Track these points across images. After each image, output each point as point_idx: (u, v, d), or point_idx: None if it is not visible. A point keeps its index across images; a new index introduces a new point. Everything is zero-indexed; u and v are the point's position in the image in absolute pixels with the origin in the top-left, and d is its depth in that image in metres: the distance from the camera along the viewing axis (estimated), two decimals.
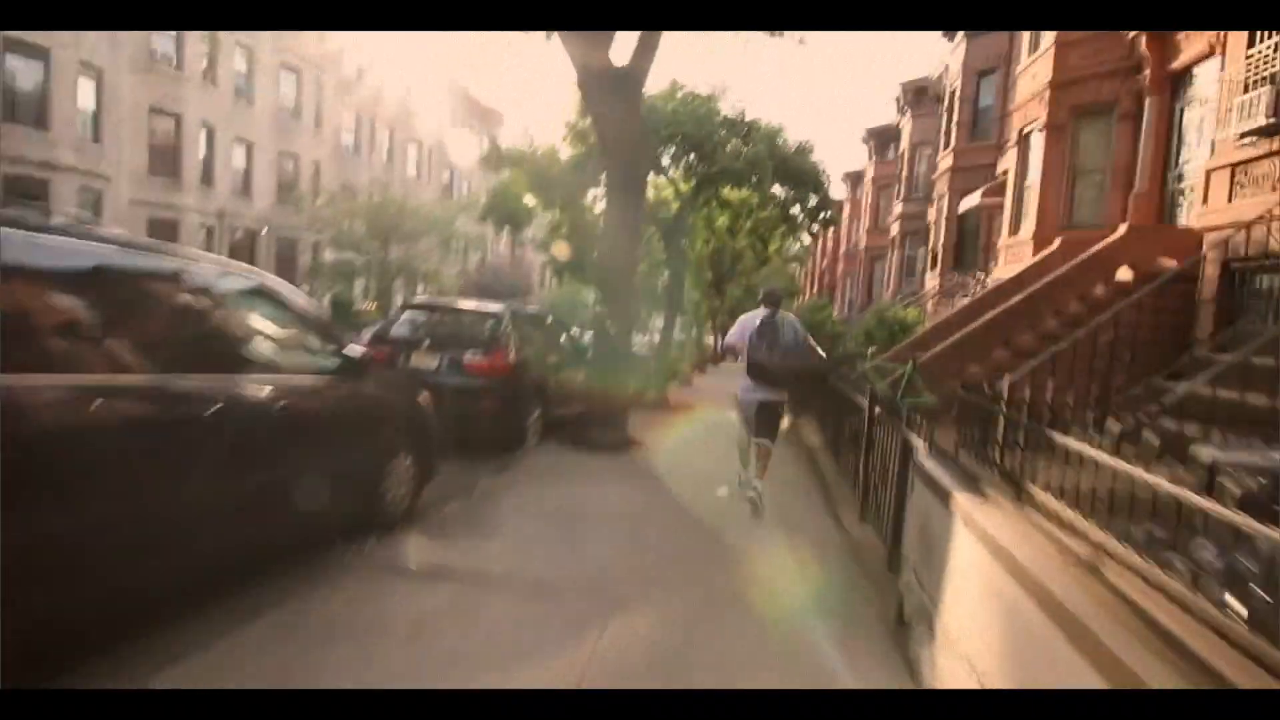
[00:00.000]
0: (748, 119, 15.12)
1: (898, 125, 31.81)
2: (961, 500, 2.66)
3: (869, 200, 35.64)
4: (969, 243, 20.12)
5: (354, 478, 4.57)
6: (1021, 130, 14.70)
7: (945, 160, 21.31)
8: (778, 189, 15.68)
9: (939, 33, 22.39)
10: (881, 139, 34.56)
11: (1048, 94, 13.29)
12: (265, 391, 3.77)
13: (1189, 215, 10.74)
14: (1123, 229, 10.21)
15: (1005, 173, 16.25)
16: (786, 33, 9.91)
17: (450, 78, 39.67)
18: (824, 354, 7.58)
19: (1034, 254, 13.16)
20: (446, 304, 9.17)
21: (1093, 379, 7.47)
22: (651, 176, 17.42)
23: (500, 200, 17.16)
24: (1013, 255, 14.42)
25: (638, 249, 8.58)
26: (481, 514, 5.35)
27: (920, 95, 27.09)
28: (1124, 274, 10.06)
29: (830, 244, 47.17)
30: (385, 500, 4.89)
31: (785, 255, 32.39)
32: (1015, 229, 14.73)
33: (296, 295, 4.40)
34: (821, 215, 15.84)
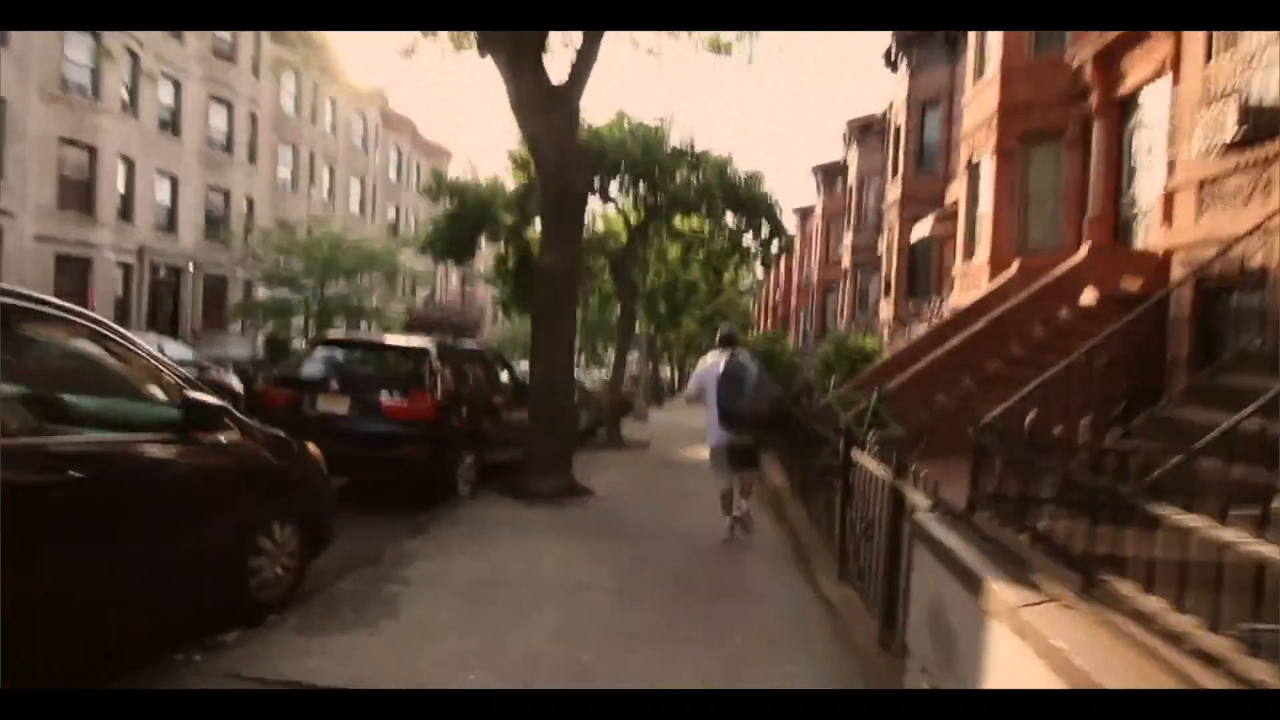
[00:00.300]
0: (696, 150, 14.67)
1: (844, 161, 32.21)
2: (1004, 595, 1.89)
3: (820, 233, 35.88)
4: (921, 271, 20.01)
5: (204, 559, 3.59)
6: (970, 159, 14.60)
7: (894, 191, 21.34)
8: (730, 219, 15.19)
9: (884, 70, 22.64)
10: (829, 174, 34.98)
11: (995, 121, 13.19)
12: (71, 456, 2.82)
13: (1145, 238, 10.53)
14: (1084, 250, 9.90)
15: (955, 201, 16.15)
16: (738, 58, 9.42)
17: (394, 112, 38.91)
18: (779, 388, 7.52)
19: (991, 278, 12.89)
20: (363, 339, 8.22)
21: (1084, 410, 6.89)
22: (600, 207, 16.85)
23: (442, 232, 16.25)
24: (968, 281, 14.16)
25: (575, 275, 7.81)
26: (381, 592, 4.37)
27: (866, 131, 27.41)
28: (1088, 296, 9.72)
29: (783, 277, 47.43)
30: (253, 584, 3.90)
31: (739, 288, 32.19)
32: (969, 255, 14.52)
33: (126, 335, 3.43)
34: (775, 243, 15.39)
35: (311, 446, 4.67)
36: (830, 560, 4.97)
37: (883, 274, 22.25)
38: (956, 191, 16.72)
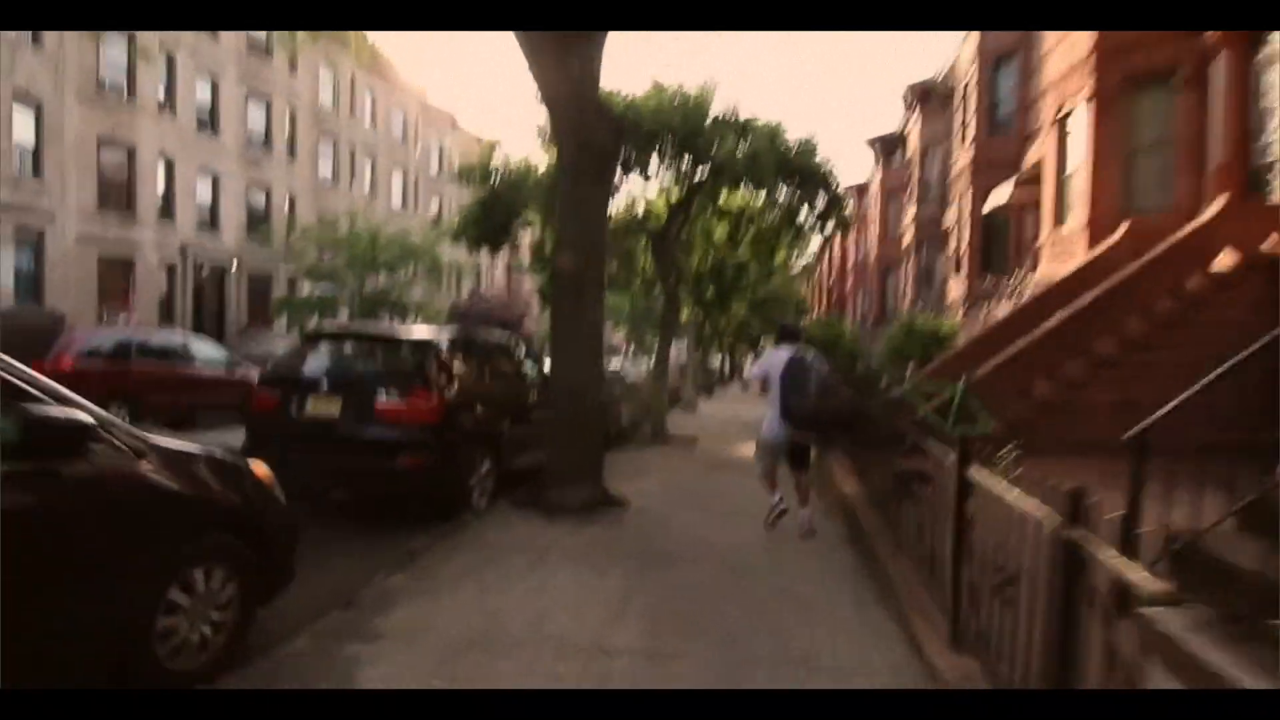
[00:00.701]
0: (742, 117, 13.32)
1: (904, 130, 30.15)
2: None
3: (878, 209, 33.84)
4: (996, 244, 18.16)
5: (81, 624, 2.62)
6: (1059, 111, 12.83)
7: (964, 157, 19.46)
8: (781, 192, 13.79)
9: (943, 31, 20.73)
10: (887, 146, 32.88)
11: (1093, 62, 11.43)
12: None
13: None
14: (1218, 204, 8.22)
15: (1038, 162, 14.34)
16: (783, 35, 8.22)
17: (433, 106, 38.46)
18: (846, 389, 7.28)
19: (1089, 246, 11.20)
20: (362, 332, 7.25)
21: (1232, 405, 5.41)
22: (640, 189, 15.66)
23: (474, 218, 15.35)
24: (1060, 250, 12.45)
25: (602, 253, 6.67)
26: (342, 653, 3.34)
27: (928, 95, 25.39)
28: (1224, 261, 8.06)
29: (838, 258, 45.39)
30: (162, 651, 2.92)
31: (791, 270, 30.56)
32: (1059, 221, 12.78)
33: None
34: (833, 217, 13.92)
35: (259, 467, 3.68)
36: (933, 609, 3.72)
37: (952, 249, 20.40)
38: (1039, 152, 14.90)
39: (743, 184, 13.44)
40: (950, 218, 21.70)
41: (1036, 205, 15.57)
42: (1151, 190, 11.04)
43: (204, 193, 23.92)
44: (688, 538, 5.47)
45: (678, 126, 12.32)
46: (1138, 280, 8.24)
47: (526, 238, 18.34)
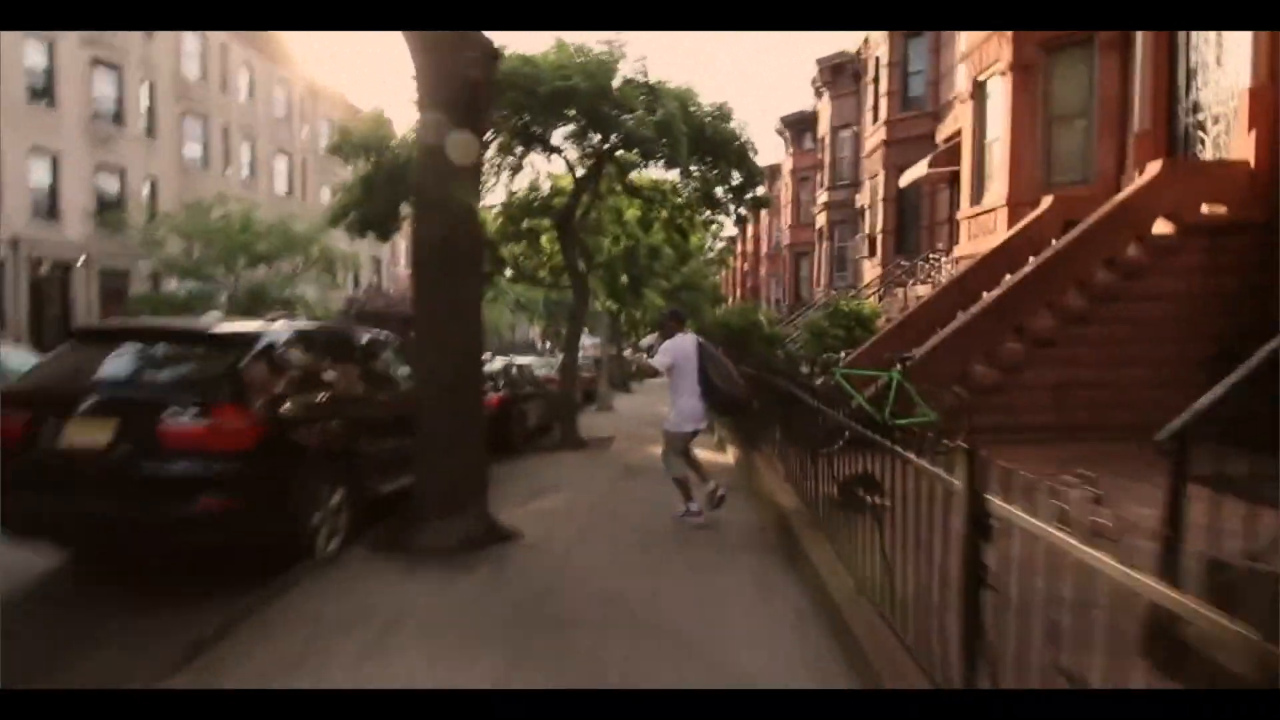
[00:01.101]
0: (652, 81, 12.19)
1: (815, 110, 29.88)
2: None
3: (789, 194, 33.60)
4: (911, 223, 17.87)
5: None
6: (975, 80, 12.36)
7: (876, 135, 19.09)
8: (694, 168, 12.75)
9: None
10: (797, 127, 32.59)
11: (1010, 31, 10.92)
12: None
13: (1215, 150, 8.40)
14: (1155, 168, 7.70)
15: (955, 136, 13.93)
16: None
17: (321, 84, 35.47)
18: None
19: (1010, 221, 10.73)
20: (148, 328, 5.63)
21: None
22: (544, 163, 14.30)
23: (354, 202, 13.55)
24: (979, 227, 11.99)
25: (475, 221, 5.37)
26: None
27: (838, 72, 25.06)
28: (1162, 227, 7.55)
29: (751, 244, 45.27)
30: None
31: (706, 256, 29.88)
32: (978, 196, 12.34)
33: None
34: (750, 193, 13.01)
35: None
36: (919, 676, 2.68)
37: (866, 231, 20.06)
38: (955, 126, 14.53)
39: (654, 156, 12.32)
40: (864, 199, 21.40)
41: (952, 181, 15.24)
42: (1074, 160, 10.66)
43: (40, 175, 20.73)
44: (593, 587, 4.27)
45: (581, 85, 11.04)
46: (1072, 252, 7.65)
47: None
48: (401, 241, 27.67)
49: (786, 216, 34.53)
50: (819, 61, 26.06)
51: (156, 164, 24.68)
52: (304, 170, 34.12)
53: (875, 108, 19.29)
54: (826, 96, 26.07)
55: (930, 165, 14.76)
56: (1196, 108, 8.77)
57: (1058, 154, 10.79)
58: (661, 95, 12.01)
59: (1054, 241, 9.36)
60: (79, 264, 21.28)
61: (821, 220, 26.94)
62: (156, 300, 21.21)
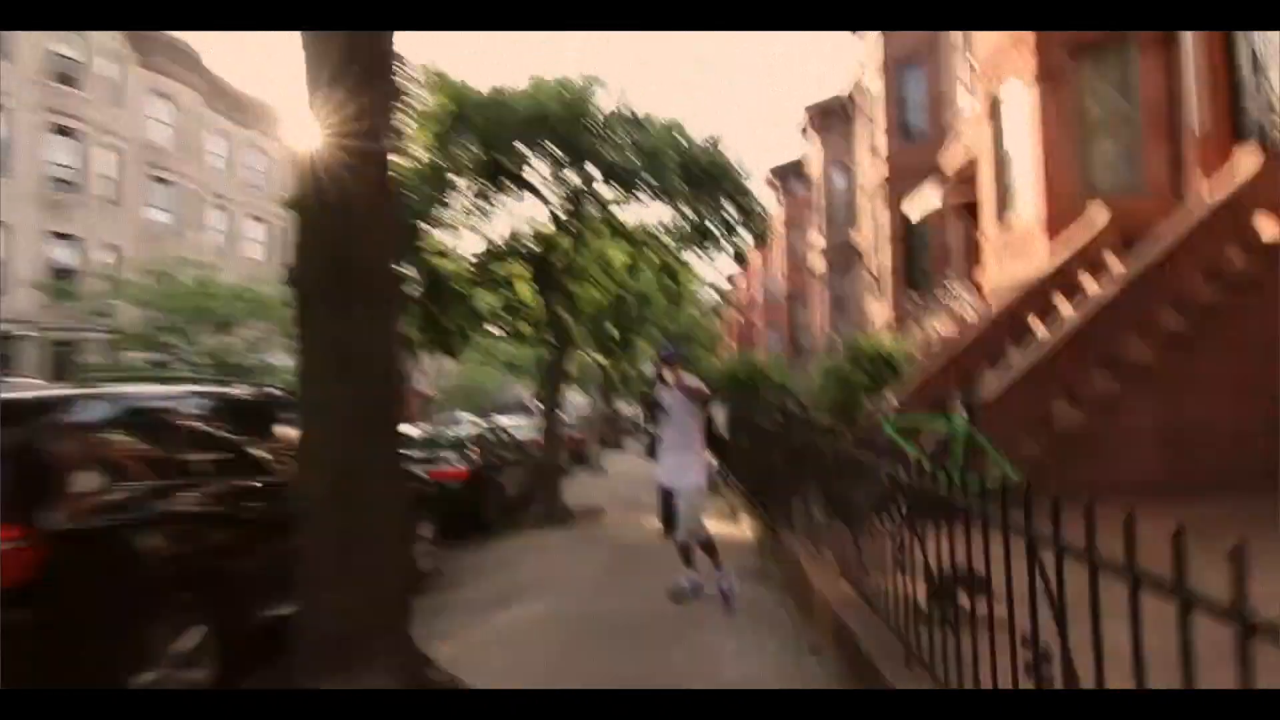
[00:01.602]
0: (636, 113, 11.03)
1: (804, 157, 29.25)
2: None
3: (783, 241, 32.69)
4: (919, 257, 16.62)
5: None
6: (992, 96, 11.25)
7: (875, 172, 18.06)
8: (685, 201, 11.44)
9: (837, 46, 19.53)
10: (785, 176, 31.99)
11: (1034, 36, 9.82)
12: None
13: None
14: (1251, 163, 6.35)
15: (966, 162, 12.77)
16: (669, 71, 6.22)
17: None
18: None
19: (1049, 238, 9.38)
20: None
21: None
22: (519, 206, 13.01)
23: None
24: (1010, 251, 10.65)
25: (392, 221, 3.87)
26: None
27: (827, 115, 24.38)
28: (1270, 229, 6.15)
29: (745, 296, 44.33)
30: None
31: (701, 306, 28.61)
32: (1004, 219, 11.05)
33: None
34: (747, 224, 11.67)
35: None
36: None
37: (873, 269, 18.82)
38: (962, 151, 13.40)
39: (640, 191, 11.04)
40: (864, 237, 20.28)
41: (965, 209, 14.04)
42: (1117, 171, 9.40)
43: None
44: None
45: (556, 111, 9.82)
46: (1163, 266, 6.21)
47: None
48: None
49: (782, 264, 33.59)
50: (808, 108, 25.43)
51: (119, 231, 23.46)
52: (285, 237, 33.09)
53: (873, 143, 18.33)
54: (817, 140, 25.34)
55: (946, 192, 13.54)
56: (1271, 104, 7.52)
57: (1096, 165, 9.53)
58: (647, 125, 10.85)
59: (1109, 258, 8.01)
60: (24, 334, 19.70)
61: (820, 265, 25.84)
62: (103, 370, 19.60)
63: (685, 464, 4.89)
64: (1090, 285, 7.84)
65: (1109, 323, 6.00)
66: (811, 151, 26.58)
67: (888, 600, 3.36)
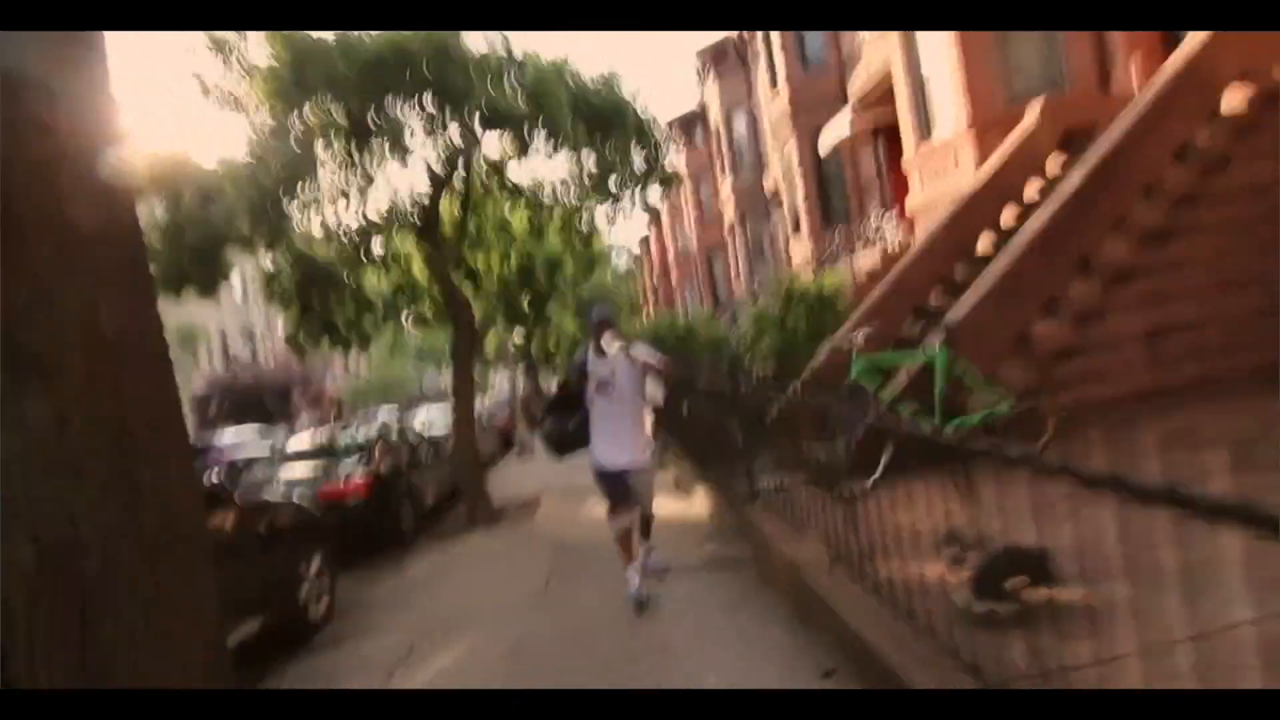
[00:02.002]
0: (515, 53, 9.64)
1: (702, 107, 28.29)
2: None
3: (690, 194, 31.83)
4: (835, 190, 16.04)
5: None
6: None
7: (778, 105, 17.26)
8: (583, 147, 10.18)
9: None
10: (685, 126, 30.95)
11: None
12: None
13: None
14: (1198, 37, 5.71)
15: (874, 85, 12.06)
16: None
17: None
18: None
19: (979, 151, 8.77)
20: None
21: None
22: (402, 167, 11.37)
23: (160, 255, 10.18)
24: (935, 168, 10.04)
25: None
26: None
27: (722, 56, 23.41)
28: (1234, 100, 5.57)
29: (657, 253, 43.49)
30: None
31: (612, 268, 27.49)
32: (925, 134, 10.42)
33: None
34: (654, 174, 10.56)
35: None
36: None
37: (786, 208, 18.16)
38: (867, 74, 12.71)
39: (532, 138, 9.72)
40: (775, 177, 19.59)
41: (877, 133, 13.44)
42: (1036, 69, 8.83)
43: None
44: None
45: (422, 55, 8.34)
46: (1125, 151, 5.54)
47: (248, 268, 13.30)
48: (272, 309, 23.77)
49: (691, 217, 32.79)
50: (699, 52, 24.37)
51: None
52: None
53: (773, 77, 17.49)
54: (714, 84, 24.37)
55: (857, 117, 12.82)
56: None
57: (1016, 67, 8.94)
58: (529, 65, 9.50)
59: (1052, 156, 7.42)
60: None
61: (730, 213, 25.13)
62: None
63: (634, 441, 4.39)
64: (1031, 189, 7.24)
65: (1075, 223, 5.31)
66: (710, 97, 25.63)
67: (902, 590, 2.61)
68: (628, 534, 4.39)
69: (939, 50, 9.58)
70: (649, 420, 4.69)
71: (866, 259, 12.22)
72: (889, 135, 13.13)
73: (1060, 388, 4.89)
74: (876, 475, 4.23)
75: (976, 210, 7.49)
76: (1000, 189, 7.45)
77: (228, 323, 30.19)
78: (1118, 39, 7.71)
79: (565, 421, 4.47)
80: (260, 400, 25.30)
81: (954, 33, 9.07)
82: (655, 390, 4.55)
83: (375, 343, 14.69)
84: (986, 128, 8.69)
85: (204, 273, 10.28)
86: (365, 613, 5.21)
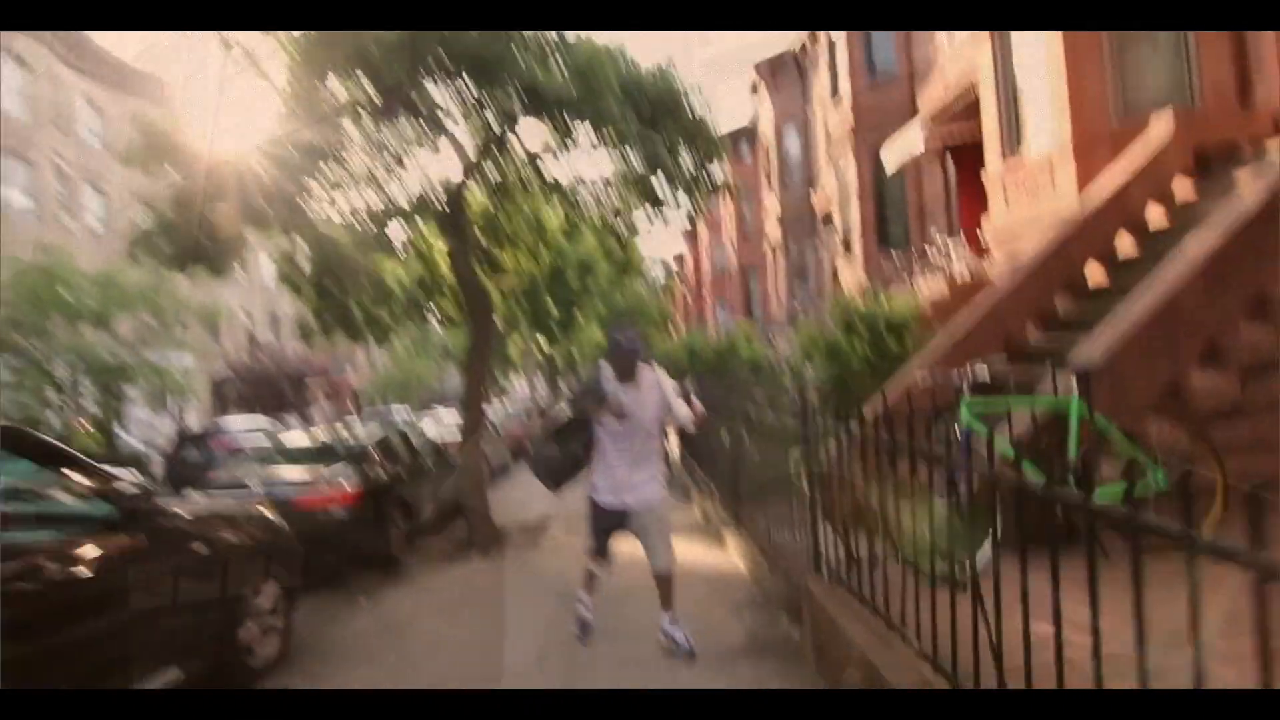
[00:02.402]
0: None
1: (752, 124, 27.38)
2: None
3: (731, 210, 30.85)
4: (894, 210, 14.90)
5: None
6: None
7: (839, 114, 16.21)
8: (632, 137, 9.19)
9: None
10: (733, 143, 30.05)
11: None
12: None
13: None
14: None
15: (967, 91, 10.94)
16: None
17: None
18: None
19: (1081, 170, 7.64)
20: None
21: None
22: (434, 152, 10.49)
23: (165, 227, 9.35)
24: (1023, 187, 8.90)
25: None
26: None
27: (778, 69, 22.46)
28: None
29: (691, 272, 42.57)
30: None
31: (651, 282, 26.52)
32: (1012, 149, 9.29)
33: None
34: (706, 175, 9.54)
35: None
36: None
37: (838, 227, 17.03)
38: (943, 89, 11.62)
39: (578, 130, 8.80)
40: (826, 194, 18.50)
41: (948, 154, 12.33)
42: (1159, 79, 7.69)
43: None
44: None
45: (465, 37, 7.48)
46: None
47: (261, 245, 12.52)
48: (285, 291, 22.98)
49: (730, 234, 31.79)
50: (757, 66, 23.41)
51: None
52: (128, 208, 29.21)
53: (834, 85, 16.45)
54: (768, 100, 23.39)
55: (941, 128, 11.66)
56: None
57: (1135, 73, 7.79)
58: (581, 47, 8.60)
59: (1180, 178, 6.28)
60: None
61: (773, 230, 24.05)
62: None
63: (646, 480, 3.95)
64: (1156, 215, 6.10)
65: (1254, 248, 4.18)
66: (762, 112, 24.67)
67: None
68: (595, 577, 4.10)
69: (1038, 56, 8.48)
70: (663, 457, 4.27)
71: (931, 286, 11.08)
72: (960, 155, 12.02)
73: (1222, 453, 3.76)
74: (986, 550, 3.17)
75: (1086, 236, 6.36)
76: (1117, 213, 6.32)
77: (254, 307, 29.78)
78: (1267, 43, 6.56)
79: (565, 449, 3.94)
80: (280, 389, 24.72)
81: (1060, 36, 7.98)
82: (685, 415, 4.08)
83: (394, 337, 13.90)
84: (1093, 145, 7.57)
85: (212, 249, 9.46)
86: (319, 660, 4.22)
